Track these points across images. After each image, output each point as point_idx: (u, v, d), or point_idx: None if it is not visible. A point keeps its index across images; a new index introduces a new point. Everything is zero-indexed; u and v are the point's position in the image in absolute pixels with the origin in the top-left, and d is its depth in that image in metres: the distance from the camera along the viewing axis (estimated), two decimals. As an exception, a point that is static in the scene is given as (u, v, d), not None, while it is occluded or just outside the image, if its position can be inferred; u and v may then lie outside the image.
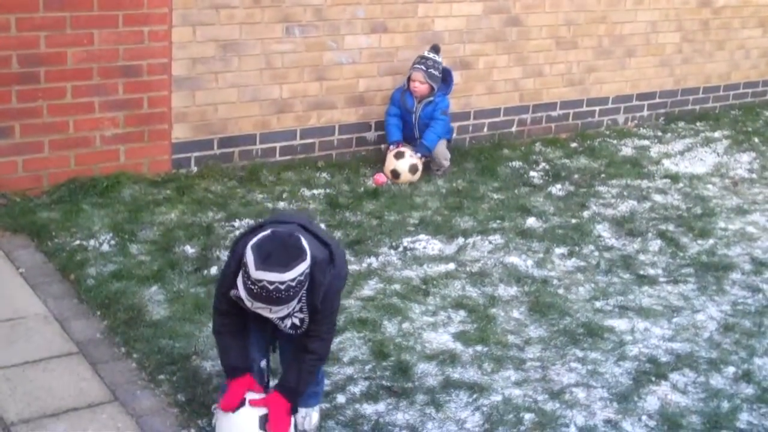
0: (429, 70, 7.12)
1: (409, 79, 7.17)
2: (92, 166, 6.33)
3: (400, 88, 7.28)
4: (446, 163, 7.21)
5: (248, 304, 3.38)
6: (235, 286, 3.43)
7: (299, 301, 3.46)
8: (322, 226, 6.02)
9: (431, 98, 7.15)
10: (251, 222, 5.97)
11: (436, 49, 7.24)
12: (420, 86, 7.12)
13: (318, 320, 3.57)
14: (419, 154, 7.05)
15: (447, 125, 7.29)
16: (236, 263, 3.45)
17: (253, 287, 3.31)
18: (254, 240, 3.36)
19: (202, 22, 6.51)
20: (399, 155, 6.99)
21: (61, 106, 6.14)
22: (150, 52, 6.36)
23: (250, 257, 3.30)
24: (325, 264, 3.50)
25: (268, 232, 3.39)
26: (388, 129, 7.28)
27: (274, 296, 3.30)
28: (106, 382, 4.16)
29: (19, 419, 3.86)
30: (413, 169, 6.97)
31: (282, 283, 3.28)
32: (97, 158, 6.35)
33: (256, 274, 3.27)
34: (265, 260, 3.27)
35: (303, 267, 3.33)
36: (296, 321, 3.54)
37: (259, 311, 3.40)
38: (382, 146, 7.49)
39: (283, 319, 3.50)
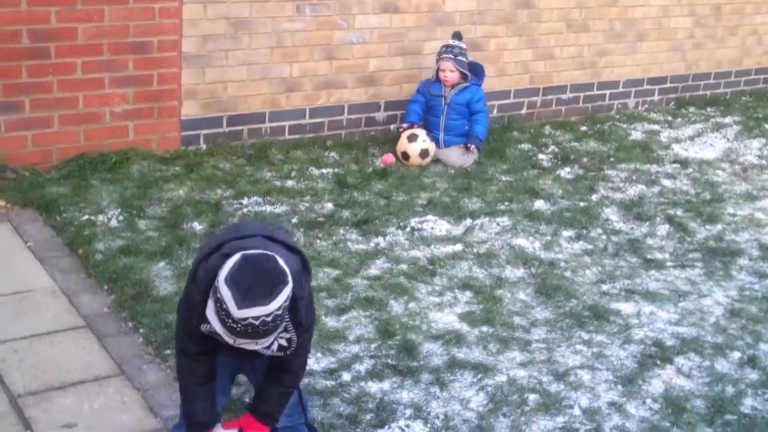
0: (457, 58, 7.09)
1: (438, 70, 7.14)
2: (101, 141, 6.34)
3: (427, 80, 7.26)
4: (470, 161, 7.15)
5: (229, 341, 2.96)
6: (205, 320, 2.99)
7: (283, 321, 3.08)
8: (330, 205, 6.03)
9: (466, 84, 7.14)
10: (259, 199, 5.99)
11: (458, 35, 7.21)
12: (451, 75, 7.09)
13: (301, 335, 3.15)
14: (471, 145, 7.07)
15: (488, 115, 7.33)
16: (202, 294, 3.02)
17: (235, 326, 2.89)
18: (226, 272, 2.89)
19: (212, 0, 6.50)
20: (412, 137, 6.96)
21: (71, 82, 6.15)
22: (160, 28, 6.36)
23: (227, 295, 2.86)
24: (301, 275, 3.10)
25: (238, 258, 2.92)
26: (407, 112, 7.29)
27: (260, 330, 2.90)
28: (112, 356, 4.18)
29: (26, 391, 3.88)
30: (424, 153, 6.95)
31: (268, 315, 2.88)
32: (107, 134, 6.37)
33: (239, 313, 2.85)
34: (246, 296, 2.85)
35: (287, 291, 2.92)
36: (283, 342, 3.11)
37: (243, 346, 2.99)
38: (392, 126, 7.49)
39: (269, 346, 3.09)
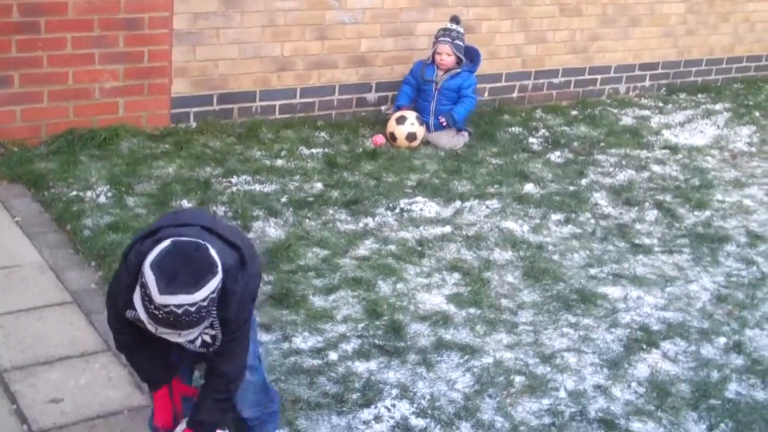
0: (455, 42, 7.04)
1: (434, 53, 7.09)
2: (91, 117, 6.31)
3: (423, 61, 7.21)
4: (460, 143, 7.13)
5: (151, 329, 2.82)
6: (131, 305, 2.87)
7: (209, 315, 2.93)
8: (319, 185, 6.02)
9: (458, 70, 7.09)
10: (248, 178, 5.97)
11: (456, 19, 7.16)
12: (447, 59, 7.04)
13: (228, 335, 3.01)
14: (442, 119, 7.03)
15: (475, 104, 7.26)
16: (130, 277, 2.88)
17: (157, 312, 2.74)
18: (153, 256, 2.77)
19: (204, -23, 6.48)
20: (401, 120, 6.94)
21: (61, 57, 6.11)
22: (151, 5, 6.32)
23: (151, 279, 2.72)
24: (236, 270, 2.95)
25: (168, 244, 2.79)
26: (398, 94, 7.26)
27: (183, 320, 2.75)
28: (99, 332, 4.18)
29: (12, 366, 3.88)
30: (411, 137, 6.90)
31: (192, 305, 2.72)
32: (96, 110, 6.34)
33: (161, 299, 2.70)
34: (171, 282, 2.70)
35: (215, 283, 2.77)
36: (207, 338, 3.00)
37: (165, 336, 2.84)
38: (383, 108, 7.48)
39: (192, 340, 2.96)
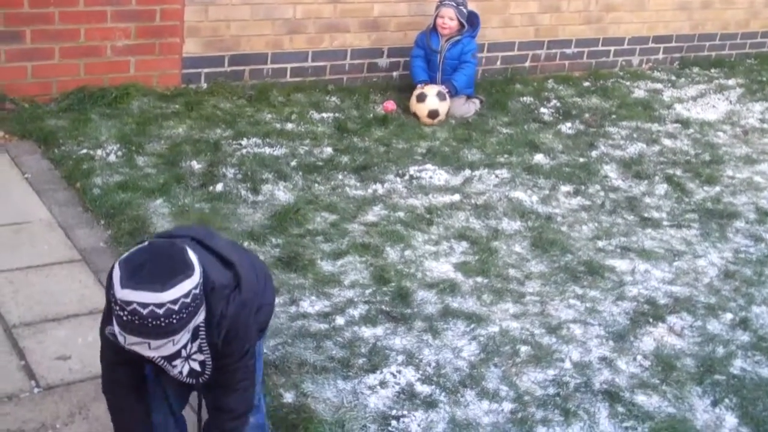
0: (459, 7, 6.92)
1: (436, 17, 6.95)
2: (102, 76, 6.29)
3: (425, 31, 7.07)
4: (471, 111, 7.08)
5: (120, 339, 2.48)
6: (111, 320, 2.53)
7: (195, 338, 2.61)
8: (329, 150, 6.01)
9: (459, 37, 6.97)
10: (258, 141, 5.96)
11: None
12: (450, 23, 6.90)
13: (228, 366, 2.71)
14: (445, 88, 6.85)
15: (475, 68, 7.15)
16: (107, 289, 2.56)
17: (122, 313, 2.41)
18: (125, 254, 2.49)
19: (219, -64, 6.43)
20: (421, 97, 6.78)
21: (73, 14, 6.08)
22: (165, -37, 6.29)
23: (116, 274, 2.42)
24: (226, 290, 2.61)
25: (144, 244, 2.54)
26: (413, 71, 7.07)
27: (149, 324, 2.39)
28: (107, 291, 4.19)
29: (21, 322, 3.90)
30: (433, 114, 6.75)
31: (159, 305, 2.38)
32: (107, 68, 6.32)
33: (122, 293, 2.39)
34: (133, 275, 2.39)
35: (188, 285, 2.43)
36: (195, 366, 2.67)
37: (135, 348, 2.48)
38: (394, 73, 7.44)
39: (171, 360, 2.63)
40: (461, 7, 6.95)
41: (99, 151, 5.50)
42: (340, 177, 5.66)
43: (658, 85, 8.46)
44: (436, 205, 5.46)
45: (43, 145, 5.54)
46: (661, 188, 6.12)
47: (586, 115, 7.37)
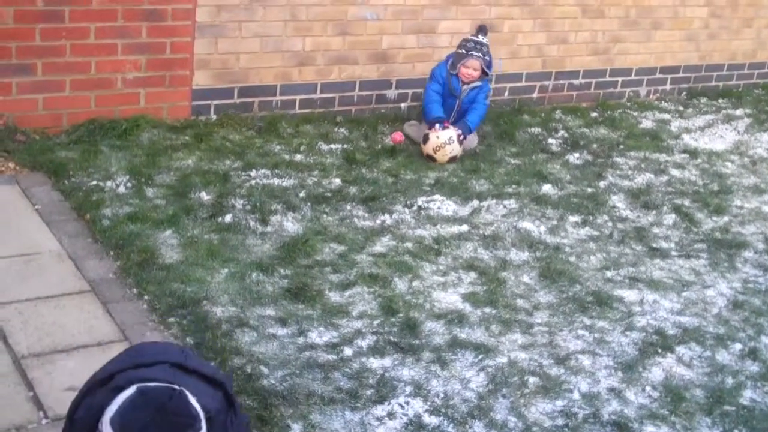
0: (485, 58, 6.85)
1: (461, 65, 6.81)
2: (112, 108, 6.34)
3: (444, 67, 6.90)
4: (475, 143, 7.01)
5: None
6: None
7: None
8: (337, 181, 6.03)
9: (479, 83, 6.89)
10: (267, 172, 5.99)
11: (484, 30, 6.97)
12: (474, 73, 6.83)
13: None
14: (459, 132, 6.67)
15: (487, 109, 7.05)
16: None
17: None
18: (114, 409, 2.19)
19: (228, -30, 6.49)
20: (438, 149, 6.57)
21: (84, 47, 6.14)
22: (175, -4, 6.35)
23: None
24: (223, 415, 2.38)
25: (132, 392, 2.20)
26: (431, 106, 6.82)
27: None
28: (116, 322, 4.20)
29: (30, 353, 3.91)
30: (453, 160, 6.63)
31: None
32: (118, 100, 6.36)
33: None
34: None
35: None
36: None
37: None
38: (402, 105, 7.48)
39: None
40: (486, 57, 6.88)
41: (109, 183, 5.53)
42: (349, 208, 5.68)
43: (666, 116, 8.48)
44: (444, 235, 5.47)
45: (53, 176, 5.58)
46: (670, 218, 6.12)
47: (594, 146, 7.39)
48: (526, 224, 5.75)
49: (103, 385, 2.31)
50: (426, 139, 6.65)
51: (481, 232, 5.59)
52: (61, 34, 6.03)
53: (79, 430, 2.28)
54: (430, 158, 6.62)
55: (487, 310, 4.73)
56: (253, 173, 5.96)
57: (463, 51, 6.86)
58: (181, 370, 2.36)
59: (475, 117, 6.90)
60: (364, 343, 4.29)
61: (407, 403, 3.90)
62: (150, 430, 2.12)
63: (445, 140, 6.58)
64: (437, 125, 6.68)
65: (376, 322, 4.48)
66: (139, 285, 4.52)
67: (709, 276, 5.40)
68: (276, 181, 5.90)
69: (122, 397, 2.19)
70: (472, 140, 7.00)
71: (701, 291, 5.20)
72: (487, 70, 6.92)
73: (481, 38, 6.92)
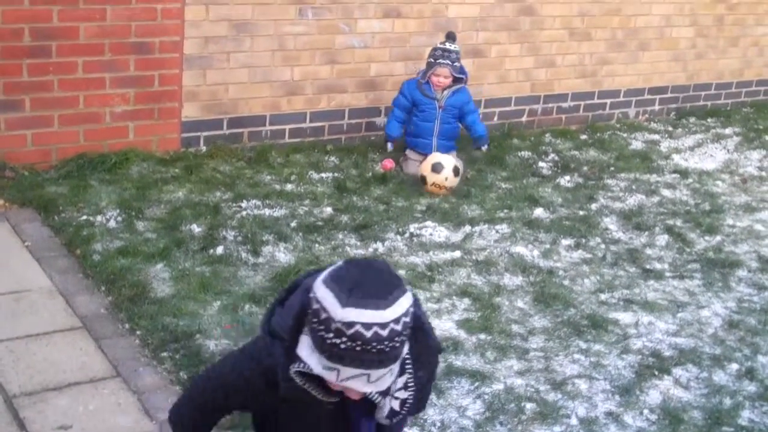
0: (454, 64, 6.85)
1: (430, 73, 6.82)
2: (101, 142, 6.33)
3: (414, 80, 6.93)
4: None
5: (330, 376, 2.17)
6: (294, 361, 2.22)
7: (402, 372, 2.32)
8: (329, 209, 6.02)
9: (459, 86, 6.89)
10: (258, 202, 5.97)
11: (453, 37, 6.96)
12: (445, 80, 6.83)
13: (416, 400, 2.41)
14: (483, 147, 6.93)
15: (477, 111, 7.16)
16: (291, 329, 2.25)
17: (339, 340, 2.10)
18: (324, 275, 2.19)
19: (215, 2, 6.50)
20: (437, 167, 6.49)
21: (72, 81, 6.13)
22: (162, 29, 6.35)
23: (328, 295, 2.12)
24: (418, 304, 2.35)
25: (340, 264, 2.22)
26: (390, 123, 7.00)
27: (373, 349, 2.11)
28: (108, 358, 4.17)
29: (22, 392, 3.87)
30: (449, 190, 6.56)
31: (383, 326, 2.10)
32: (107, 134, 6.35)
33: (345, 313, 2.08)
34: (353, 291, 2.10)
35: (406, 302, 2.17)
36: (395, 405, 2.34)
37: (350, 384, 2.17)
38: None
39: (381, 398, 2.27)
40: (456, 63, 6.90)
41: (99, 217, 5.50)
42: (341, 236, 5.66)
43: (656, 136, 8.50)
44: (437, 262, 5.46)
45: (43, 212, 5.55)
46: (662, 239, 6.11)
47: (585, 168, 7.40)
48: (519, 249, 5.73)
49: (285, 299, 2.33)
50: (423, 180, 6.55)
51: (474, 257, 5.58)
52: (49, 69, 6.03)
53: (281, 331, 2.27)
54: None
55: (482, 336, 4.71)
56: (243, 204, 5.94)
57: (431, 60, 6.87)
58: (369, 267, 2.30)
59: (482, 127, 7.03)
60: (359, 373, 4.25)
61: (404, 432, 3.86)
62: (365, 283, 2.13)
63: (444, 177, 6.53)
64: (389, 144, 6.98)
65: (370, 352, 4.44)
66: (131, 320, 4.49)
67: (703, 296, 5.39)
68: (267, 211, 5.89)
69: (331, 268, 2.21)
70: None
71: (696, 311, 5.19)
72: (459, 76, 6.91)
73: (449, 45, 6.88)
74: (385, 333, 2.11)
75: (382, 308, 2.11)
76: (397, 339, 2.14)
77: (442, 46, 6.92)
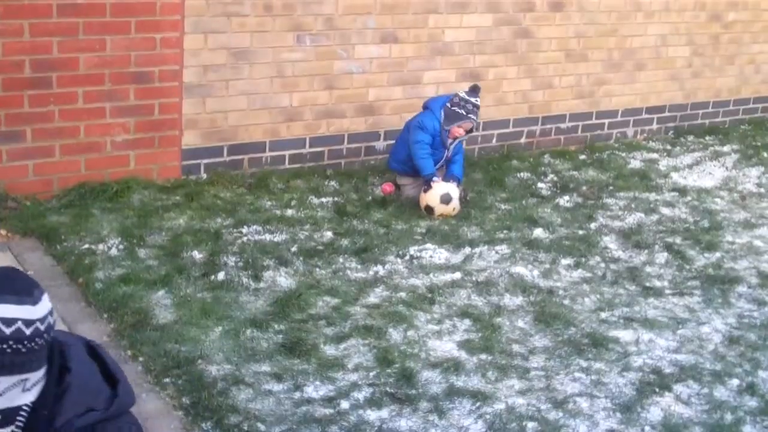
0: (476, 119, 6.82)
1: (457, 124, 6.71)
2: (102, 171, 6.37)
3: (435, 120, 6.75)
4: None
5: None
6: None
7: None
8: (329, 234, 6.05)
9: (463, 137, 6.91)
10: (258, 228, 6.00)
11: (478, 90, 6.82)
12: (464, 133, 6.80)
13: None
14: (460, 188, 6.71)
15: None
16: None
17: None
18: None
19: (213, 30, 6.56)
20: (446, 198, 6.52)
21: (72, 111, 6.19)
22: (162, 58, 6.41)
23: None
24: (92, 394, 2.06)
25: None
26: (426, 161, 6.67)
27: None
28: (111, 385, 4.18)
29: (25, 420, 3.88)
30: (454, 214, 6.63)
31: (29, 323, 1.96)
32: (108, 163, 6.40)
33: None
34: None
35: (48, 305, 2.04)
36: None
37: None
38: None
39: None
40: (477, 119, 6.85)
41: (101, 246, 5.54)
42: (341, 260, 5.69)
43: (654, 155, 8.54)
44: (437, 284, 5.48)
45: (45, 241, 5.59)
46: (662, 257, 6.14)
47: (584, 188, 7.43)
48: (519, 269, 5.76)
49: None
50: (431, 211, 6.55)
51: (474, 278, 5.60)
52: (49, 100, 6.08)
53: None
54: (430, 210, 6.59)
55: (483, 356, 4.72)
56: (244, 230, 5.98)
57: (463, 112, 6.72)
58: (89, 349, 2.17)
59: (459, 168, 6.94)
60: (360, 395, 4.28)
61: (406, 454, 3.88)
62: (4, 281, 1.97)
63: (452, 208, 6.58)
64: (429, 178, 6.62)
65: (372, 374, 4.47)
66: (133, 347, 4.51)
67: (703, 313, 5.40)
68: (268, 236, 5.92)
69: None
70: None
71: (696, 328, 5.20)
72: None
73: (476, 101, 6.77)
74: (28, 332, 1.94)
75: (28, 303, 1.95)
76: (36, 341, 1.96)
77: (474, 101, 6.76)
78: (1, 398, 1.96)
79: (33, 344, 1.94)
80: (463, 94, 6.79)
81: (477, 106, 6.79)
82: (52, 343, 2.03)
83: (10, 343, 1.90)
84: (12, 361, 1.92)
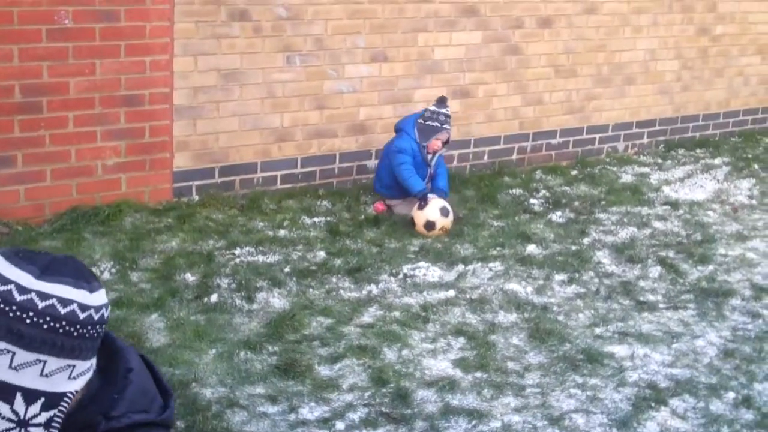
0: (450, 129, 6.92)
1: (434, 138, 6.81)
2: (94, 194, 6.36)
3: (410, 140, 6.82)
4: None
5: None
6: None
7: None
8: (322, 253, 6.05)
9: (442, 150, 6.98)
10: (251, 249, 5.99)
11: (446, 101, 6.92)
12: (441, 144, 6.89)
13: None
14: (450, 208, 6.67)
15: None
16: None
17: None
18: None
19: (203, 52, 6.57)
20: (445, 211, 6.58)
21: (63, 136, 6.18)
22: (152, 81, 6.41)
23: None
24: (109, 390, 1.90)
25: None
26: (413, 180, 6.71)
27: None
28: (105, 410, 4.16)
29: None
30: (430, 225, 6.58)
31: (84, 308, 1.82)
32: (99, 187, 6.39)
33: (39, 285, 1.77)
34: (47, 268, 1.83)
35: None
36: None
37: None
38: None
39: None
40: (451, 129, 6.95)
41: (93, 270, 5.51)
42: (334, 280, 5.68)
43: (645, 169, 8.56)
44: (431, 302, 5.47)
45: (37, 266, 5.56)
46: (655, 271, 6.14)
47: (576, 203, 7.44)
48: (513, 285, 5.75)
49: None
50: (432, 226, 6.54)
51: (468, 296, 5.59)
52: (40, 125, 6.08)
53: None
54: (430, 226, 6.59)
55: (478, 374, 4.71)
56: (237, 251, 5.97)
57: (437, 124, 6.84)
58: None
59: (445, 181, 6.99)
60: (356, 416, 4.27)
61: (402, 474, 3.86)
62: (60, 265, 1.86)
63: (450, 220, 6.60)
64: (429, 195, 6.64)
65: (367, 394, 4.45)
66: (126, 371, 4.48)
67: (698, 326, 5.40)
68: (260, 258, 5.91)
69: None
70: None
71: (691, 342, 5.20)
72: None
73: (447, 111, 6.88)
74: (83, 316, 1.82)
75: (88, 289, 1.84)
76: (92, 329, 1.85)
77: (442, 110, 6.86)
78: (48, 380, 1.89)
79: (85, 330, 1.86)
80: (433, 108, 6.91)
81: (449, 116, 6.90)
82: (111, 344, 1.98)
83: (63, 323, 1.83)
84: (63, 343, 1.85)
